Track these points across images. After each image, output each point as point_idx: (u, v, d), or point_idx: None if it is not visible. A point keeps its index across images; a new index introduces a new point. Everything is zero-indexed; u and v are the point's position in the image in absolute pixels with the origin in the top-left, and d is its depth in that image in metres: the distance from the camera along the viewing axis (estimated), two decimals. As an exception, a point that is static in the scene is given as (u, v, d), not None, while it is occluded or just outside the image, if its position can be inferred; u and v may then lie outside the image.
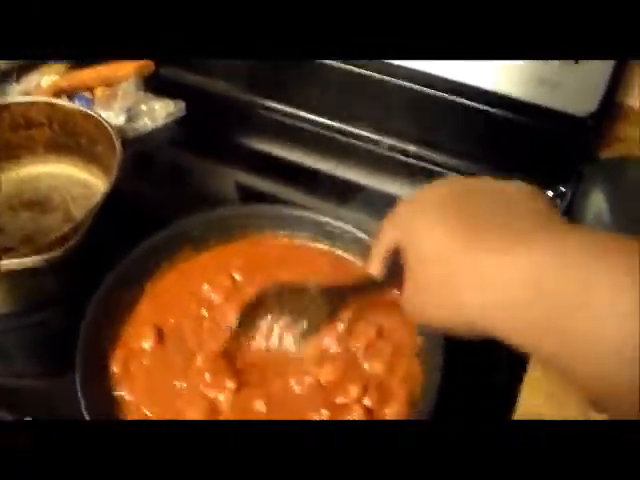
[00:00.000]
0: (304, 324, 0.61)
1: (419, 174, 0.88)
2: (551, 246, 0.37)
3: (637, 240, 0.35)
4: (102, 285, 0.63)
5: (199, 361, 0.59)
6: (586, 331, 0.34)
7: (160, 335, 0.62)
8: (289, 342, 0.61)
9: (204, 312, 0.64)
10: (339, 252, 0.70)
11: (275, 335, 0.61)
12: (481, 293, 0.39)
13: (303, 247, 0.71)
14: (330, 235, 0.71)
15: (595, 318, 0.33)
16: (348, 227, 0.69)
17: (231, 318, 0.63)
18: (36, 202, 0.82)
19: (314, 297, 0.60)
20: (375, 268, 0.53)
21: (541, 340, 0.36)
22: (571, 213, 0.76)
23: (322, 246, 0.71)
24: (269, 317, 0.61)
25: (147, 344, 0.61)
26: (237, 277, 0.67)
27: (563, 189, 0.81)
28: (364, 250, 0.63)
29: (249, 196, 0.88)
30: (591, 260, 0.35)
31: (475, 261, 0.39)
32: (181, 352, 0.61)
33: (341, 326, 0.62)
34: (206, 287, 0.66)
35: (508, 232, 0.40)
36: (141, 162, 0.91)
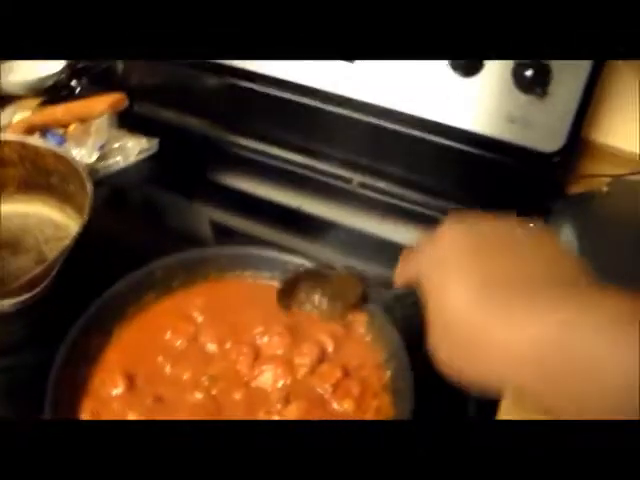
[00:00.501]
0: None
1: (389, 211, 0.89)
2: (576, 304, 0.37)
3: None
4: (70, 332, 0.62)
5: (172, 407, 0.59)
6: (603, 392, 0.34)
7: (130, 381, 0.61)
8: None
9: (169, 359, 0.64)
10: None
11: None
12: (507, 351, 0.38)
13: (265, 287, 0.70)
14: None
15: (617, 377, 0.34)
16: (309, 264, 0.69)
17: (195, 362, 0.63)
18: (7, 243, 0.81)
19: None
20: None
21: (561, 397, 0.37)
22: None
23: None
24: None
25: (116, 391, 0.60)
26: (199, 319, 0.67)
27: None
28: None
29: (224, 234, 0.88)
30: (618, 322, 0.35)
31: (498, 320, 0.39)
32: (151, 397, 0.60)
33: (305, 369, 0.62)
34: (169, 335, 0.66)
35: (531, 287, 0.39)
36: (115, 200, 0.91)
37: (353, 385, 0.61)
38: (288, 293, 0.66)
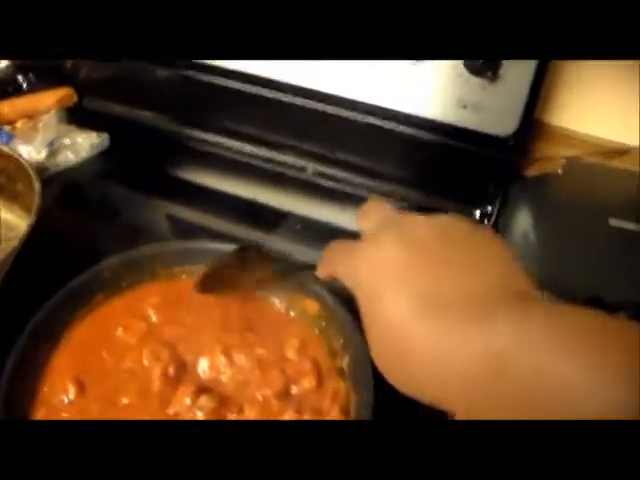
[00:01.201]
0: None
1: (345, 199, 0.88)
2: (513, 322, 0.35)
3: (604, 320, 0.34)
4: (18, 340, 0.60)
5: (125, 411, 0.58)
6: (542, 407, 0.33)
7: (81, 387, 0.60)
8: None
9: (120, 360, 0.63)
10: None
11: None
12: (440, 368, 0.37)
13: None
14: None
15: (551, 394, 0.32)
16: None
17: (149, 361, 0.62)
18: (-46, 245, 0.79)
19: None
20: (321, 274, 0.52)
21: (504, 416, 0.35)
22: (498, 232, 0.77)
23: None
24: None
25: (67, 397, 0.59)
26: (153, 317, 0.66)
27: (490, 209, 0.83)
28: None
29: (181, 229, 0.86)
30: (552, 339, 0.34)
31: (434, 335, 0.37)
32: (102, 402, 0.59)
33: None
34: (120, 332, 0.65)
35: (472, 304, 0.37)
36: (66, 198, 0.89)
37: (308, 366, 0.61)
38: (213, 279, 0.65)
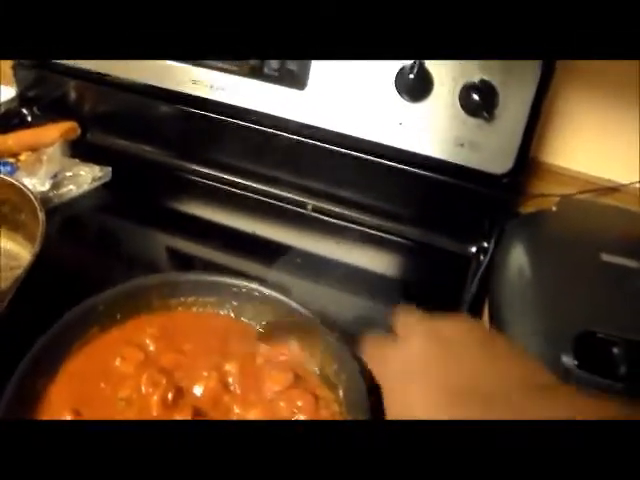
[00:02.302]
0: None
1: (343, 235, 0.90)
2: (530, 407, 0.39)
3: None
4: (15, 373, 0.60)
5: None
6: None
7: (78, 417, 0.60)
8: None
9: (117, 389, 0.63)
10: (244, 319, 0.70)
11: None
12: None
13: (207, 314, 0.71)
14: (236, 297, 0.70)
15: None
16: (254, 285, 0.70)
17: (147, 388, 0.62)
18: (-42, 275, 0.80)
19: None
20: None
21: None
22: (494, 268, 0.78)
23: (225, 312, 0.71)
24: None
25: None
26: (150, 346, 0.67)
27: (486, 245, 0.84)
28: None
29: (180, 261, 0.87)
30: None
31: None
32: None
33: None
34: (118, 362, 0.65)
35: (495, 397, 0.41)
36: (69, 229, 0.90)
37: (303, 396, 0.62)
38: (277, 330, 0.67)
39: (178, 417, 0.60)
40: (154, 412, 0.61)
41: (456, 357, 0.44)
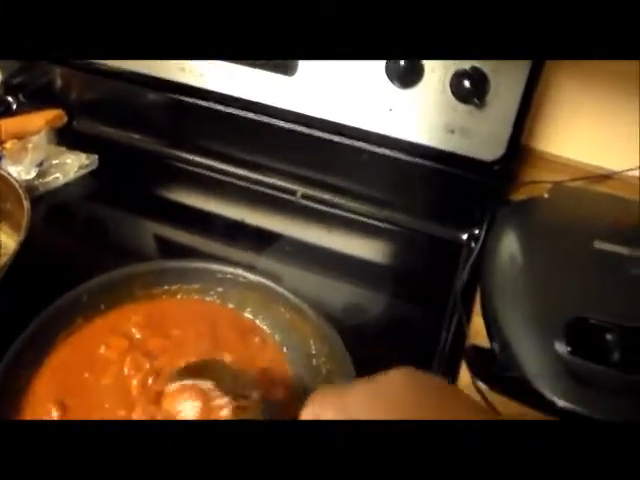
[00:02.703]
0: None
1: (333, 222, 0.89)
2: None
3: None
4: (0, 364, 0.60)
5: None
6: None
7: (63, 408, 0.60)
8: None
9: (100, 377, 0.63)
10: (230, 305, 0.70)
11: None
12: None
13: (192, 301, 0.70)
14: (221, 283, 0.70)
15: None
16: (239, 271, 0.69)
17: (128, 373, 0.62)
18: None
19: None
20: None
21: None
22: (485, 255, 0.78)
23: (211, 298, 0.70)
24: None
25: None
26: (137, 334, 0.66)
27: (477, 232, 0.84)
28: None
29: (168, 249, 0.86)
30: None
31: None
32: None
33: None
34: (102, 350, 0.65)
35: None
36: (55, 218, 0.89)
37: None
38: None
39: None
40: (134, 393, 0.61)
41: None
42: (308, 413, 0.48)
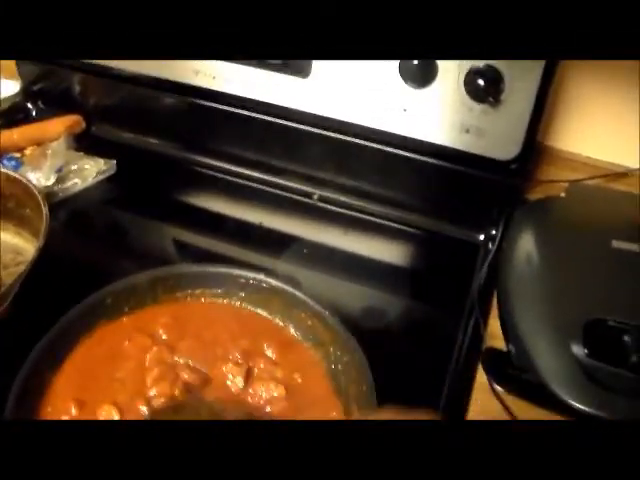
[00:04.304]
0: None
1: (350, 224, 0.89)
2: None
3: None
4: (22, 368, 0.61)
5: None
6: None
7: (81, 405, 0.61)
8: None
9: (114, 372, 0.64)
10: (250, 307, 0.71)
11: None
12: None
13: (218, 304, 0.71)
14: (243, 288, 0.71)
15: None
16: (261, 276, 0.70)
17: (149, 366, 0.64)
18: (-34, 271, 0.80)
19: None
20: None
21: None
22: (502, 256, 0.77)
23: (234, 302, 0.71)
24: None
25: (69, 416, 0.60)
26: (164, 337, 0.68)
27: (494, 232, 0.83)
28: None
29: (187, 253, 0.87)
30: None
31: None
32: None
33: None
34: (126, 344, 0.67)
35: None
36: (74, 223, 0.90)
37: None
38: None
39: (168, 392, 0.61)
40: (148, 383, 0.62)
41: None
42: None
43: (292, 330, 0.69)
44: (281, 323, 0.69)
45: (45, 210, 0.75)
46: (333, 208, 0.91)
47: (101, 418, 0.60)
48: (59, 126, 0.97)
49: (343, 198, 0.91)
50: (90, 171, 0.93)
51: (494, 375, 0.66)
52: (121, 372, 0.64)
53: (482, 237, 0.85)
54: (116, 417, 0.60)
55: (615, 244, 0.73)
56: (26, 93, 1.05)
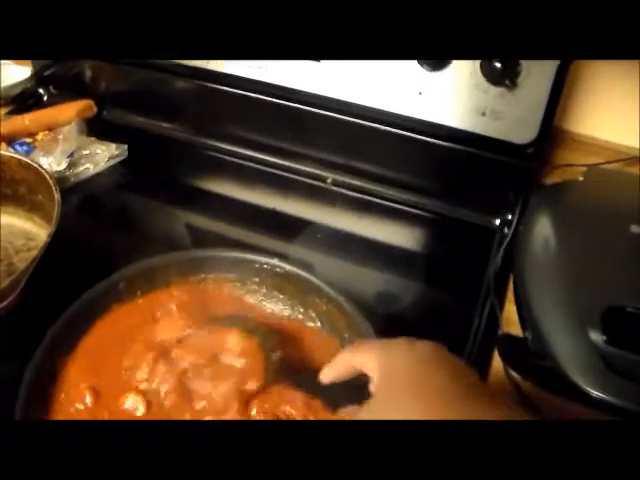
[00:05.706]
0: None
1: (364, 208, 0.89)
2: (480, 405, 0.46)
3: None
4: (35, 353, 0.60)
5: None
6: None
7: (96, 393, 0.60)
8: None
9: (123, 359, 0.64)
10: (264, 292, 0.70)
11: None
12: None
13: (234, 287, 0.71)
14: (257, 273, 0.70)
15: None
16: (276, 262, 0.69)
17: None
18: (-22, 256, 0.80)
19: None
20: (326, 377, 0.55)
21: None
22: (519, 240, 0.76)
23: (247, 287, 0.71)
24: None
25: (82, 405, 0.60)
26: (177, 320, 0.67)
27: (510, 217, 0.82)
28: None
29: (199, 238, 0.86)
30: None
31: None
32: (117, 407, 0.60)
33: None
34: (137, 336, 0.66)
35: (457, 397, 0.46)
36: (86, 208, 0.90)
37: None
38: None
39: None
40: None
41: (428, 369, 0.49)
42: (346, 356, 0.53)
43: (306, 315, 0.68)
44: (295, 308, 0.69)
45: (57, 195, 0.74)
46: (347, 192, 0.90)
47: (126, 407, 0.60)
48: (70, 111, 0.97)
49: (357, 182, 0.90)
50: (102, 156, 0.93)
51: (510, 361, 0.66)
52: (127, 361, 0.63)
53: (498, 222, 0.84)
54: (141, 405, 0.59)
55: (634, 229, 0.72)
56: (37, 78, 1.05)
